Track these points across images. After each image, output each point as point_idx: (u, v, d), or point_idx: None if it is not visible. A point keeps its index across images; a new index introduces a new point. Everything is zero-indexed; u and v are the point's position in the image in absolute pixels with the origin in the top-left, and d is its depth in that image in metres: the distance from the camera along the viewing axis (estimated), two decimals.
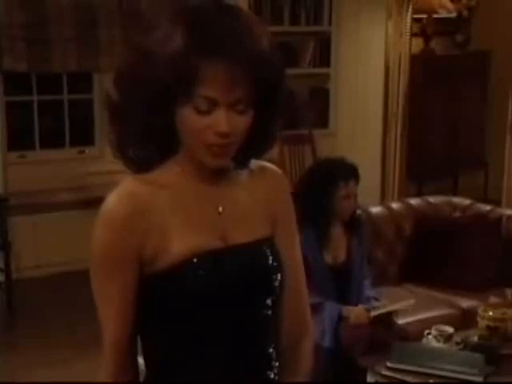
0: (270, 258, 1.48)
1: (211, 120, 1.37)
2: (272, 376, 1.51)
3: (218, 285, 1.41)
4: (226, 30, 1.34)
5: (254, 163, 1.55)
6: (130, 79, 1.42)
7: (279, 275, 1.49)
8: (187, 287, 1.39)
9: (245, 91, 1.37)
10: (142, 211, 1.41)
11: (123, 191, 1.44)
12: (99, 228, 1.43)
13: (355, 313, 3.36)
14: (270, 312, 1.49)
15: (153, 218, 1.42)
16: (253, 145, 1.47)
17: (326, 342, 3.32)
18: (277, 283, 1.48)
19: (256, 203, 1.53)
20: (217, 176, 1.48)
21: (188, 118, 1.38)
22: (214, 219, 1.46)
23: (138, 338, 1.51)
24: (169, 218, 1.43)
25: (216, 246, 1.44)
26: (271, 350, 1.51)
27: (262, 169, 1.57)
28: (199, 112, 1.36)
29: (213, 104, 1.36)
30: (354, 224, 3.63)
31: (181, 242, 1.42)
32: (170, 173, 1.47)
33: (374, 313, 3.35)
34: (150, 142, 1.44)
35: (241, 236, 1.47)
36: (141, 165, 1.46)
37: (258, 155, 1.55)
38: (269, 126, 1.48)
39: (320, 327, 3.34)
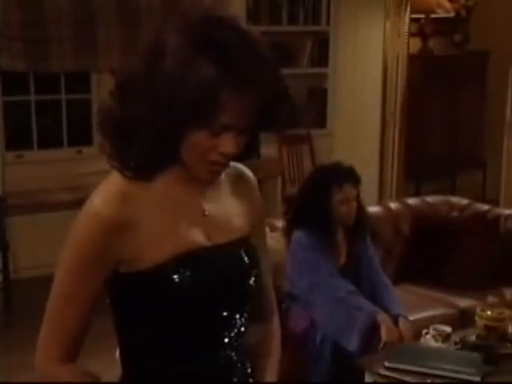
0: (245, 257, 1.52)
1: (219, 141, 1.39)
2: (249, 371, 1.56)
3: (202, 282, 1.44)
4: (251, 63, 1.34)
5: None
6: (141, 96, 1.38)
7: (254, 273, 1.53)
8: (174, 285, 1.41)
9: (254, 117, 1.40)
10: (129, 215, 1.42)
11: (111, 192, 1.44)
12: (82, 227, 1.45)
13: (387, 330, 3.33)
14: (243, 310, 1.52)
15: (140, 218, 1.43)
16: (240, 154, 1.48)
17: (352, 347, 3.29)
18: (251, 281, 1.52)
19: (235, 204, 1.57)
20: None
21: (197, 139, 1.39)
22: (200, 221, 1.49)
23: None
24: (156, 218, 1.45)
25: (202, 244, 1.47)
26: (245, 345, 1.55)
27: (237, 170, 1.60)
28: (210, 135, 1.38)
29: (225, 128, 1.38)
30: (357, 227, 3.58)
31: (168, 242, 1.44)
32: (161, 175, 1.47)
33: None
34: (155, 156, 1.43)
35: (223, 237, 1.51)
36: (141, 174, 1.44)
37: (242, 162, 1.59)
38: (256, 139, 1.51)
39: (346, 327, 3.31)
